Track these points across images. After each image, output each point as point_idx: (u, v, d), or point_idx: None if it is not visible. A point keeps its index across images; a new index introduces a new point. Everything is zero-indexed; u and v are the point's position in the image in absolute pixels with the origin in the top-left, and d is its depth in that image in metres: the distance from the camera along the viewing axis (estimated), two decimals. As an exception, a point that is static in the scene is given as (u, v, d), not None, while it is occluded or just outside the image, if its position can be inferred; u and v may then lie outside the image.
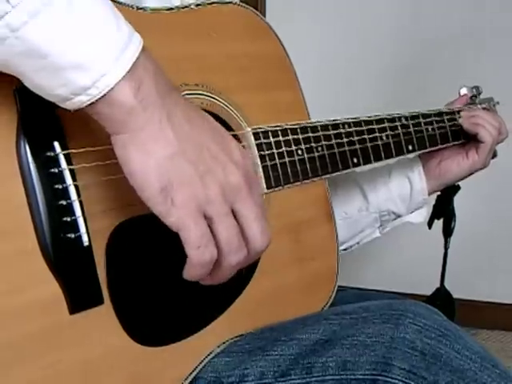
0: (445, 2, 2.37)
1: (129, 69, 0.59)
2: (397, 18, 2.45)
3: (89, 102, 0.59)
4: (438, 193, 1.23)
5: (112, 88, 0.59)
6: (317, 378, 0.76)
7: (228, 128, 0.82)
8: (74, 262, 0.67)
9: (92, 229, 0.68)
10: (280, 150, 0.85)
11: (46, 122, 0.66)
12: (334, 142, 0.91)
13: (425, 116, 1.09)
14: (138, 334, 0.72)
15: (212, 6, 0.85)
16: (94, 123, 0.63)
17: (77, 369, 0.67)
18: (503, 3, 2.31)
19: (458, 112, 1.16)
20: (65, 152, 0.66)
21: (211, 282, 0.68)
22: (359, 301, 0.88)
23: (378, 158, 0.99)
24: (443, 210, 1.22)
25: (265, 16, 0.91)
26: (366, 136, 0.96)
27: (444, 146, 1.13)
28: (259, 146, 0.83)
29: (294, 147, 0.86)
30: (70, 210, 0.66)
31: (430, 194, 1.18)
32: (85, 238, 0.67)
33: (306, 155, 0.87)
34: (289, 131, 0.86)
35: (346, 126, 0.94)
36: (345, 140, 0.93)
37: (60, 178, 0.66)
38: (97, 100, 0.59)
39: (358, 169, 0.99)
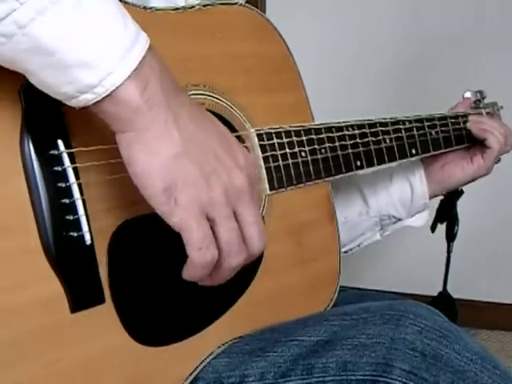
0: (445, 1, 2.37)
1: (135, 68, 0.59)
2: (397, 16, 2.44)
3: (95, 101, 0.60)
4: (442, 197, 1.23)
5: (118, 87, 0.59)
6: (317, 379, 0.76)
7: (231, 128, 0.82)
8: (75, 260, 0.67)
9: (94, 227, 0.68)
10: (283, 152, 0.85)
11: (50, 121, 0.66)
12: (337, 144, 0.91)
13: (428, 120, 1.08)
14: (139, 334, 0.72)
15: (217, 7, 0.85)
16: (98, 122, 0.63)
17: (78, 367, 0.67)
18: (503, 3, 2.31)
19: (462, 116, 1.16)
20: (68, 150, 0.67)
21: (210, 282, 0.68)
22: (360, 301, 0.88)
23: (381, 162, 0.98)
24: (446, 214, 1.22)
25: (264, 13, 0.91)
26: (369, 139, 0.96)
27: (447, 150, 1.13)
28: (263, 148, 0.84)
29: (297, 149, 0.86)
30: (72, 208, 0.66)
31: (431, 197, 1.17)
32: (87, 237, 0.67)
33: (309, 157, 0.87)
34: (292, 133, 0.86)
35: (350, 128, 0.94)
36: (348, 143, 0.93)
37: (63, 176, 0.66)
38: (103, 98, 0.59)
39: (360, 171, 0.99)
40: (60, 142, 0.66)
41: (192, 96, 0.79)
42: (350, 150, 0.93)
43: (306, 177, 0.87)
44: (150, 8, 0.78)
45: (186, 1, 0.87)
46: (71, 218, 0.66)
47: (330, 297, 0.93)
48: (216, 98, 0.83)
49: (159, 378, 0.73)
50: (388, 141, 0.99)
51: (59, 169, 0.66)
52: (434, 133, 1.09)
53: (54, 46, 0.57)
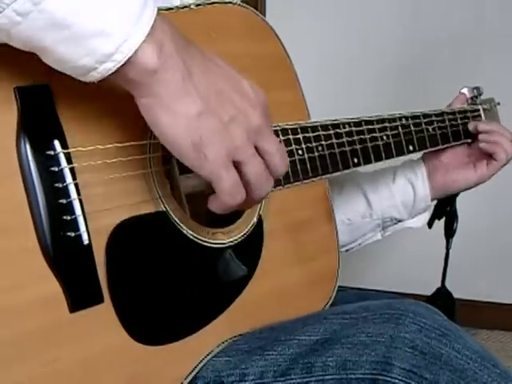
0: (445, 1, 2.37)
1: (148, 32, 0.60)
2: (397, 17, 2.44)
3: (115, 69, 0.60)
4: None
5: (135, 52, 0.60)
6: (317, 378, 0.76)
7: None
8: (73, 260, 0.67)
9: (92, 228, 0.68)
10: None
11: (46, 121, 0.66)
12: (334, 141, 0.91)
13: (425, 116, 1.08)
14: (138, 333, 0.72)
15: (212, 6, 0.85)
16: (95, 122, 0.63)
17: (76, 367, 0.67)
18: (503, 4, 2.31)
19: (460, 112, 1.16)
20: (65, 151, 0.67)
21: (240, 209, 0.73)
22: (359, 301, 0.88)
23: (378, 158, 0.99)
24: (444, 210, 1.22)
25: (264, 14, 0.91)
26: (366, 136, 0.96)
27: (445, 146, 1.13)
28: None
29: (294, 147, 0.86)
30: (69, 208, 0.66)
31: (432, 200, 1.17)
32: (84, 237, 0.68)
33: (306, 155, 0.87)
34: (289, 131, 0.86)
35: (347, 125, 0.94)
36: (345, 140, 0.93)
37: (60, 176, 0.66)
38: (121, 66, 0.60)
39: (361, 170, 0.99)
40: (56, 143, 0.66)
41: None
42: (347, 147, 0.93)
43: (304, 174, 0.87)
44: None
45: (180, 0, 0.87)
46: (68, 218, 0.66)
47: (328, 295, 0.93)
48: None
49: (158, 377, 0.73)
50: (385, 137, 1.00)
51: (56, 169, 0.66)
52: (431, 129, 1.09)
53: (70, 18, 0.58)
